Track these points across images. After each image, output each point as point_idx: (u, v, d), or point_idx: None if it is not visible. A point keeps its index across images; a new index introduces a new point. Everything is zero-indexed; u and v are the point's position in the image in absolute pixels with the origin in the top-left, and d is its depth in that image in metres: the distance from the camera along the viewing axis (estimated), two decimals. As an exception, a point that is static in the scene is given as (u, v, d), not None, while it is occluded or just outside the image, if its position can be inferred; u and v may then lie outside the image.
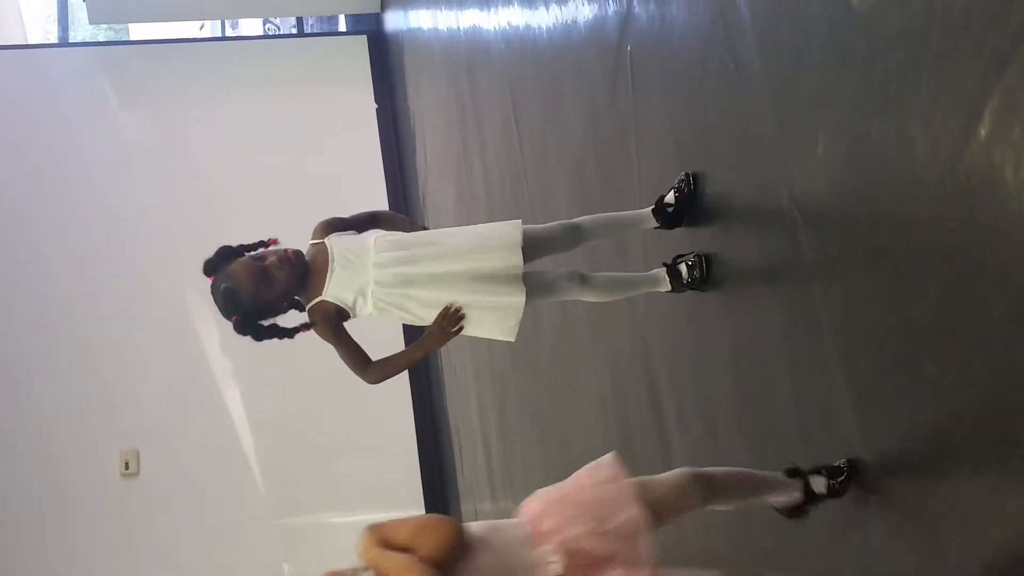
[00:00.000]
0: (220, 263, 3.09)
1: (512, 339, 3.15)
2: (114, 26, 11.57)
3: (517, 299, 3.05)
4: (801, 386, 2.59)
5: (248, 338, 3.12)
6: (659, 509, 2.30)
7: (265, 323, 3.11)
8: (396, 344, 8.18)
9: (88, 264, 8.09)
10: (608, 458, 2.42)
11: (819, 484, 2.40)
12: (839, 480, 2.35)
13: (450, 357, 7.53)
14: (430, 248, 3.11)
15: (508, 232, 3.11)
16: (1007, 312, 1.78)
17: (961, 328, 1.91)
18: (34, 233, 8.11)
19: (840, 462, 2.36)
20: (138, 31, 11.53)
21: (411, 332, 8.23)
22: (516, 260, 3.06)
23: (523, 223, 3.15)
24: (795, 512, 2.47)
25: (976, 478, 1.93)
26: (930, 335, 2.01)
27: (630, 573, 2.17)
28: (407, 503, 7.53)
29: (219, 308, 3.11)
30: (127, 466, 7.73)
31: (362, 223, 3.24)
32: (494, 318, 3.09)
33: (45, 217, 8.13)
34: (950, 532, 2.03)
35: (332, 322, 3.09)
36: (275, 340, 3.13)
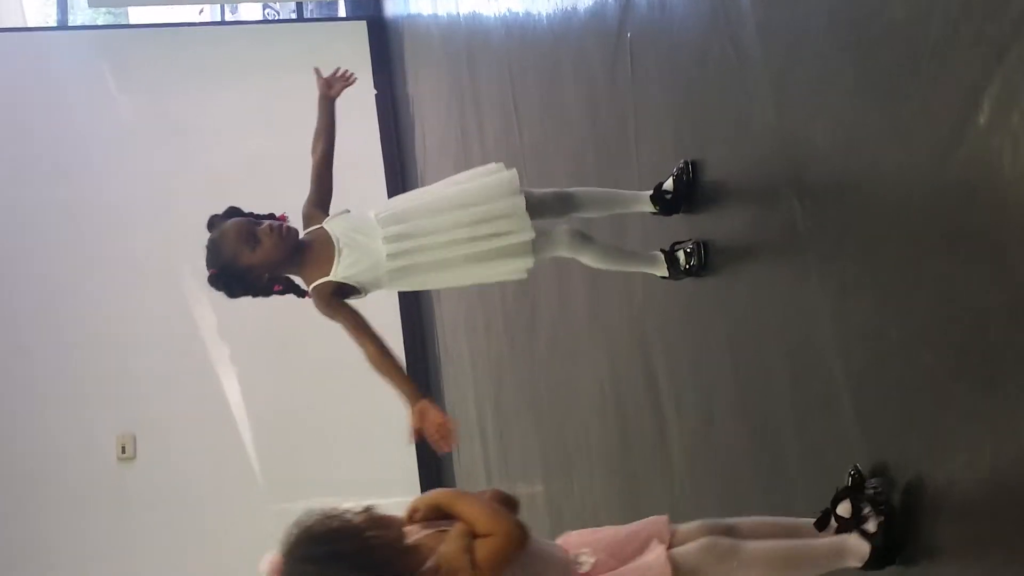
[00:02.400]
0: (222, 220, 3.16)
1: (524, 276, 3.20)
2: (113, 10, 11.53)
3: (526, 237, 3.08)
4: (798, 374, 2.59)
5: (222, 293, 3.16)
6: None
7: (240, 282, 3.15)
8: (394, 331, 8.18)
9: (85, 248, 8.07)
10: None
11: (845, 509, 2.21)
12: (882, 505, 2.16)
13: (447, 344, 7.53)
14: (434, 215, 3.13)
15: (506, 178, 3.14)
16: (1005, 301, 1.78)
17: (959, 317, 1.91)
18: (31, 217, 8.09)
19: (850, 472, 2.22)
20: (137, 15, 11.49)
21: (406, 318, 8.24)
22: (520, 204, 3.08)
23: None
24: (876, 564, 2.18)
25: (973, 467, 1.93)
26: (928, 325, 2.01)
27: None
28: (403, 490, 7.53)
29: (206, 260, 3.16)
30: (124, 450, 7.73)
31: (322, 179, 3.26)
32: (505, 260, 3.11)
33: (42, 201, 8.11)
34: (947, 521, 2.03)
35: (327, 299, 3.10)
36: (251, 299, 3.18)
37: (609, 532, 2.26)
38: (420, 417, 2.95)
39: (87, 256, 8.06)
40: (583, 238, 3.19)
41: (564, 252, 3.22)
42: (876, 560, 2.16)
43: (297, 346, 7.84)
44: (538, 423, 5.25)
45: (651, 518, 2.27)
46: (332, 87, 3.41)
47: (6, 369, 7.72)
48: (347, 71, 3.46)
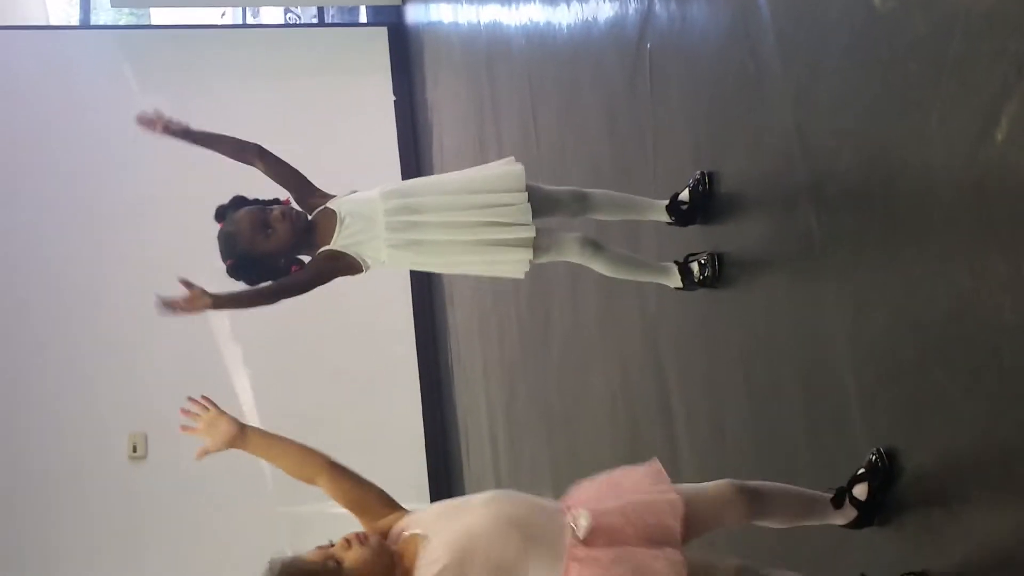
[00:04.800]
0: (230, 210, 3.20)
1: (521, 276, 3.22)
2: (135, 10, 11.58)
3: (527, 233, 3.08)
4: (811, 391, 2.58)
5: (242, 283, 3.18)
6: (698, 519, 2.19)
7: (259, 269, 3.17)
8: (407, 337, 8.19)
9: (102, 246, 8.10)
10: (652, 462, 2.31)
11: (861, 491, 2.29)
12: (879, 478, 2.25)
13: (460, 352, 7.53)
14: (437, 195, 3.17)
15: (513, 174, 3.16)
16: (1019, 319, 1.77)
17: (972, 336, 1.90)
18: (50, 214, 8.12)
19: (871, 455, 2.26)
20: (159, 16, 11.54)
21: (420, 324, 8.24)
22: (522, 197, 3.10)
23: (532, 181, 3.20)
24: (858, 524, 2.33)
25: (982, 486, 1.92)
26: (941, 343, 2.00)
27: (652, 552, 2.09)
28: (412, 497, 7.49)
29: (220, 252, 3.18)
30: (135, 449, 7.74)
31: (282, 175, 3.30)
32: (504, 255, 3.13)
33: (61, 199, 8.14)
34: (953, 539, 2.02)
35: (317, 263, 3.13)
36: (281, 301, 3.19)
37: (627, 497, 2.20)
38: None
39: (103, 254, 8.09)
40: (594, 247, 3.18)
41: (574, 259, 3.22)
42: (858, 522, 2.31)
43: (310, 350, 7.85)
44: (550, 433, 5.25)
45: (669, 498, 2.19)
46: (156, 124, 3.39)
47: (19, 367, 7.75)
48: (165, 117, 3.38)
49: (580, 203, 3.26)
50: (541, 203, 3.16)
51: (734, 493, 2.26)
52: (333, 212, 3.15)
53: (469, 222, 3.10)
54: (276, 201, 3.21)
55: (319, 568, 2.11)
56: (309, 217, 3.18)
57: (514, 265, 3.17)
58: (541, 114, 5.05)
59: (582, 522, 2.10)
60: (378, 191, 3.18)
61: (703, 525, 2.22)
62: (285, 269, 3.18)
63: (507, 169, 3.19)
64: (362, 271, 3.17)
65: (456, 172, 3.31)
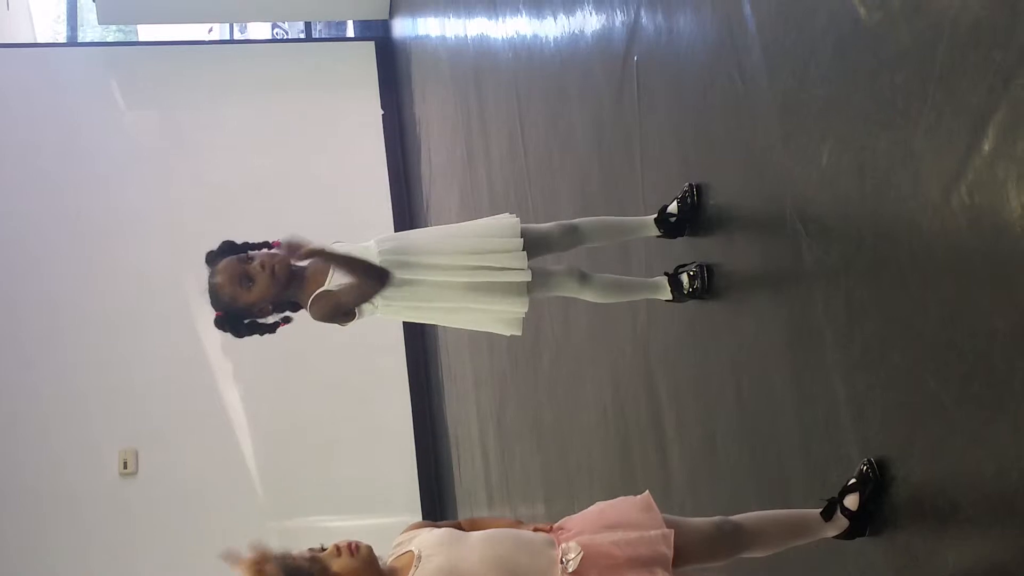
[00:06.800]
0: (218, 257, 3.17)
1: (519, 333, 3.23)
2: (123, 27, 11.59)
3: (522, 278, 3.09)
4: (801, 399, 2.59)
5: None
6: (687, 552, 2.25)
7: (245, 321, 3.16)
8: (398, 350, 8.19)
9: (91, 263, 8.10)
10: (644, 495, 2.36)
11: (852, 502, 2.29)
12: (869, 488, 2.25)
13: (450, 364, 7.53)
14: (431, 240, 3.18)
15: (507, 223, 3.18)
16: (1009, 327, 1.78)
17: (963, 343, 1.91)
18: (38, 231, 8.12)
19: (861, 466, 2.27)
20: (147, 32, 11.55)
21: (410, 336, 8.25)
22: (518, 243, 3.11)
23: (521, 222, 3.21)
24: (850, 534, 2.34)
25: (974, 494, 1.92)
26: (932, 350, 2.01)
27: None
28: (404, 509, 7.51)
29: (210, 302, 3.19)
30: (126, 465, 7.73)
31: None
32: (500, 297, 3.13)
33: (49, 215, 8.14)
34: (946, 548, 2.03)
35: (327, 305, 3.09)
36: (258, 336, 3.21)
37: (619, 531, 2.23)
38: None
39: (93, 271, 8.09)
40: (582, 277, 3.21)
41: (565, 293, 3.24)
42: (850, 532, 2.32)
43: (300, 364, 7.85)
44: (540, 443, 5.25)
45: (662, 531, 2.24)
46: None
47: (10, 383, 7.73)
48: None
49: (571, 236, 3.27)
50: (532, 244, 3.16)
51: (720, 532, 2.33)
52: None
53: (463, 266, 3.09)
54: (265, 244, 3.19)
55: (305, 567, 2.15)
56: (296, 264, 3.15)
57: (510, 314, 3.16)
58: (528, 127, 5.07)
59: (571, 555, 2.17)
60: (374, 240, 3.18)
61: (691, 558, 2.28)
62: (272, 326, 3.19)
63: (501, 219, 3.21)
64: (354, 318, 3.15)
65: (454, 225, 3.33)
